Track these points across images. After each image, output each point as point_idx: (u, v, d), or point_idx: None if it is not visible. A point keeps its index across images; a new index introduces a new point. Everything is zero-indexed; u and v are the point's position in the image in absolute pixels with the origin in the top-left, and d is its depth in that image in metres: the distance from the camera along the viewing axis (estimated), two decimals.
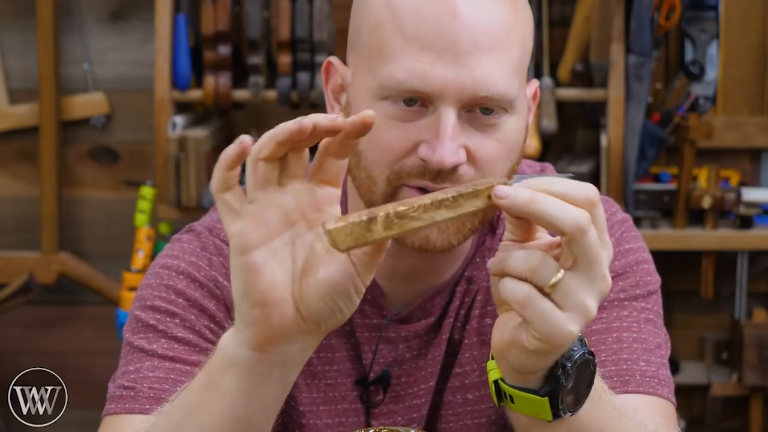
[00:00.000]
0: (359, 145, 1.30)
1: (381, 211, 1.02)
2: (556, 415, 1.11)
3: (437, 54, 1.25)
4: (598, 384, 1.15)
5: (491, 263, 1.07)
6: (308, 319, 1.06)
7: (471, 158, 1.27)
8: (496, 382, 1.13)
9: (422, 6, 1.26)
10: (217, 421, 1.10)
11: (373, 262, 1.06)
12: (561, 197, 1.04)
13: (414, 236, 1.29)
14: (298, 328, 1.06)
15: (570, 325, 1.05)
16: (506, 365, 1.11)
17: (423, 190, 1.27)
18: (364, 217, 1.01)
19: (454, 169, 1.26)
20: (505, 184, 1.05)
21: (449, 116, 1.25)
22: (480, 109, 1.27)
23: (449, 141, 1.25)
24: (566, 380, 1.09)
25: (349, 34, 1.35)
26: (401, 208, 1.03)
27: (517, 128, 1.30)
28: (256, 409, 1.10)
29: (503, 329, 1.09)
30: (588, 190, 1.05)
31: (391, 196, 1.29)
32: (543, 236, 1.08)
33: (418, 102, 1.27)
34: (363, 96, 1.30)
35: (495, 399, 1.14)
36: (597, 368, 1.13)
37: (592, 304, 1.05)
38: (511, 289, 1.05)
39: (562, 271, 1.04)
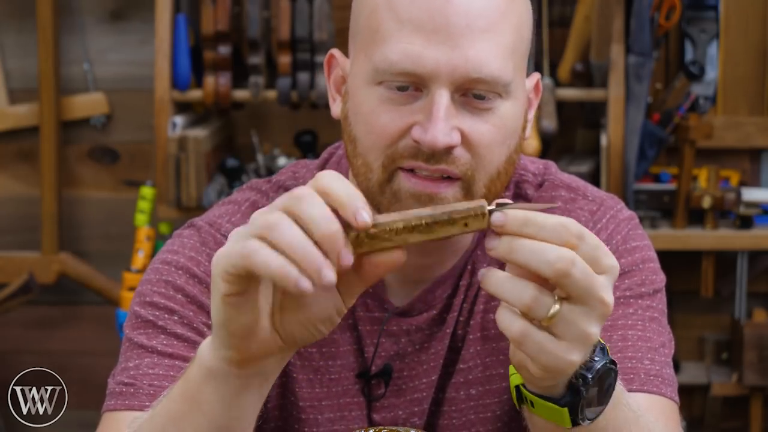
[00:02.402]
0: (355, 132, 1.30)
1: (353, 231, 1.02)
2: (575, 423, 1.11)
3: (430, 35, 1.25)
4: (618, 387, 1.14)
5: (484, 278, 1.06)
6: (287, 341, 1.08)
7: (465, 141, 1.27)
8: (517, 386, 1.13)
9: None
10: (199, 430, 1.12)
11: (360, 290, 1.07)
12: (538, 238, 1.03)
13: None
14: (276, 348, 1.08)
15: (570, 356, 1.05)
16: (528, 383, 1.11)
17: (418, 174, 1.27)
18: None
19: (449, 150, 1.26)
20: (483, 214, 1.03)
21: (442, 98, 1.25)
22: (473, 95, 1.27)
23: (442, 122, 1.25)
24: (586, 392, 1.09)
25: (350, 25, 1.36)
26: (373, 231, 1.02)
27: (513, 114, 1.30)
28: (235, 417, 1.12)
29: (514, 348, 1.09)
30: (565, 232, 1.03)
31: (387, 181, 1.29)
32: None
33: (410, 88, 1.27)
34: (359, 82, 1.30)
35: (516, 402, 1.15)
36: (618, 376, 1.12)
37: (592, 330, 1.05)
38: (507, 322, 1.05)
39: (557, 305, 1.03)
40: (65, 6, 3.36)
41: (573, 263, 1.02)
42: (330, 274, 1.00)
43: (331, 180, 1.03)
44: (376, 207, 1.31)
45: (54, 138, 3.33)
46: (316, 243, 1.00)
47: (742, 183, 3.26)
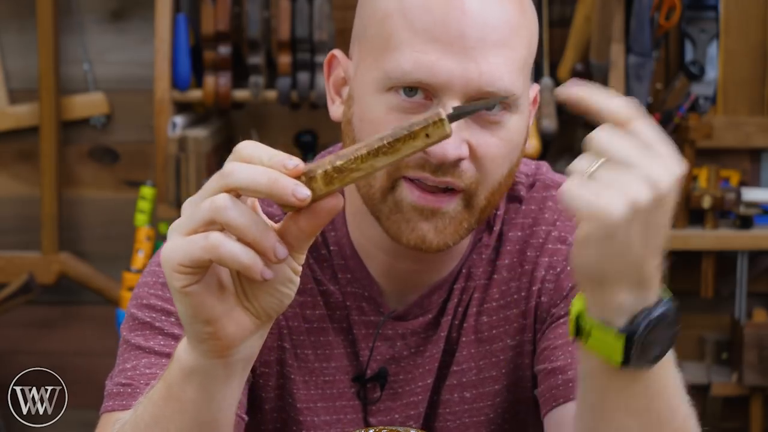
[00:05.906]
0: (361, 137, 1.30)
1: (319, 169, 1.01)
2: (626, 360, 1.06)
3: (444, 47, 1.25)
4: (671, 353, 1.11)
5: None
6: (260, 315, 1.06)
7: (473, 154, 1.27)
8: (577, 317, 1.08)
9: (431, 0, 1.26)
10: (184, 428, 1.11)
11: (307, 241, 1.05)
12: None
13: (410, 235, 1.29)
14: (253, 326, 1.06)
15: (607, 200, 1.00)
16: (588, 291, 1.07)
17: (422, 185, 1.27)
18: (303, 179, 1.01)
19: (456, 163, 1.26)
20: (440, 120, 1.02)
21: None
22: None
23: (453, 135, 1.25)
24: (645, 327, 1.05)
25: (354, 28, 1.35)
26: (339, 163, 1.01)
27: (519, 127, 1.31)
28: (221, 409, 1.11)
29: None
30: (621, 112, 1.03)
31: (390, 189, 1.29)
32: None
33: (420, 93, 1.26)
34: (366, 87, 1.29)
35: (572, 333, 1.09)
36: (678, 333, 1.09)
37: (635, 188, 1.01)
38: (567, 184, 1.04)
39: (599, 162, 1.01)
40: (65, 6, 3.36)
41: (638, 118, 1.02)
42: (282, 251, 1.01)
43: (252, 148, 1.02)
44: (377, 214, 1.31)
45: (54, 138, 3.33)
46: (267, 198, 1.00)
47: (742, 183, 3.26)
